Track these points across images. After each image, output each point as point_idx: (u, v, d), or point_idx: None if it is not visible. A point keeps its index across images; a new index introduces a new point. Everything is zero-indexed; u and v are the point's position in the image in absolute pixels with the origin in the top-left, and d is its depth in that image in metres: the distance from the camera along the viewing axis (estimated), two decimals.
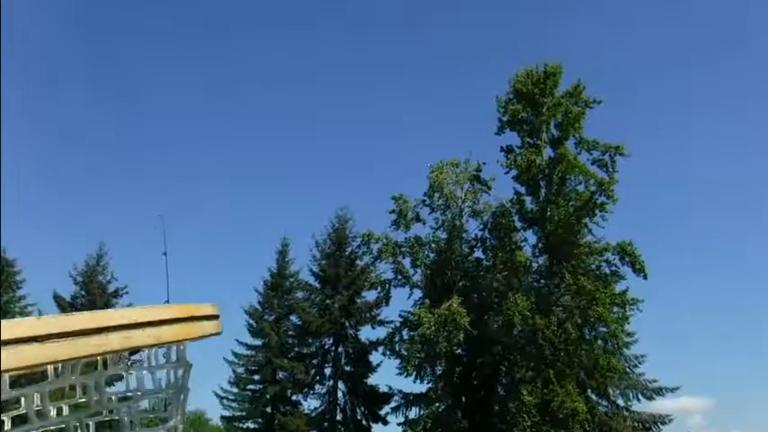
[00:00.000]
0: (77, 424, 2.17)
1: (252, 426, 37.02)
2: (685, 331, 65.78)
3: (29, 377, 1.97)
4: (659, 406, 33.10)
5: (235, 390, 37.26)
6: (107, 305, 37.93)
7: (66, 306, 37.14)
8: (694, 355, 61.94)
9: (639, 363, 32.25)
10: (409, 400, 34.28)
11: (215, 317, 2.17)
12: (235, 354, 37.88)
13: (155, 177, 78.09)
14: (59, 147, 70.90)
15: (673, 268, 66.01)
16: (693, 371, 60.73)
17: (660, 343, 54.63)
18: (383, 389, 36.15)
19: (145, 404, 3.59)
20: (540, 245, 33.21)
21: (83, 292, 37.51)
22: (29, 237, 60.91)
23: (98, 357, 1.96)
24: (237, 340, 37.99)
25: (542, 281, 33.17)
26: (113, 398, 2.33)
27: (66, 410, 2.20)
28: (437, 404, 33.34)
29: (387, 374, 54.71)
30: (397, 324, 35.12)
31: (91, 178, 71.83)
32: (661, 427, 31.11)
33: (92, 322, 1.76)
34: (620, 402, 31.53)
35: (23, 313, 37.05)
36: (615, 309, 30.33)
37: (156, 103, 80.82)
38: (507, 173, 33.70)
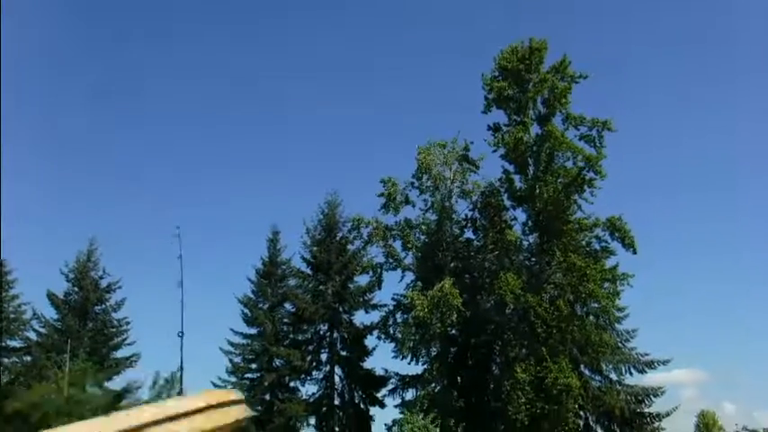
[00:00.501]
0: None
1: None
2: (677, 305, 66.42)
3: None
4: (652, 379, 33.41)
5: (233, 379, 37.38)
6: (100, 300, 38.01)
7: (59, 303, 37.16)
8: (687, 328, 62.61)
9: (631, 337, 32.48)
10: (405, 382, 34.49)
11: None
12: (231, 343, 38.04)
13: (149, 171, 77.79)
14: (57, 147, 70.47)
15: (665, 242, 66.42)
16: (686, 344, 61.44)
17: (652, 317, 55.11)
18: (379, 372, 36.39)
19: None
20: (529, 223, 33.12)
21: (75, 289, 37.49)
22: (19, 237, 60.83)
23: None
24: (233, 330, 38.12)
25: (533, 259, 33.14)
26: None
27: None
28: (433, 385, 33.54)
29: (382, 358, 55.20)
30: (391, 307, 35.26)
31: (80, 175, 71.48)
32: (654, 399, 31.40)
33: None
34: (613, 377, 31.80)
35: (18, 312, 37.06)
36: (606, 284, 30.37)
37: (149, 99, 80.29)
38: (495, 151, 33.50)
